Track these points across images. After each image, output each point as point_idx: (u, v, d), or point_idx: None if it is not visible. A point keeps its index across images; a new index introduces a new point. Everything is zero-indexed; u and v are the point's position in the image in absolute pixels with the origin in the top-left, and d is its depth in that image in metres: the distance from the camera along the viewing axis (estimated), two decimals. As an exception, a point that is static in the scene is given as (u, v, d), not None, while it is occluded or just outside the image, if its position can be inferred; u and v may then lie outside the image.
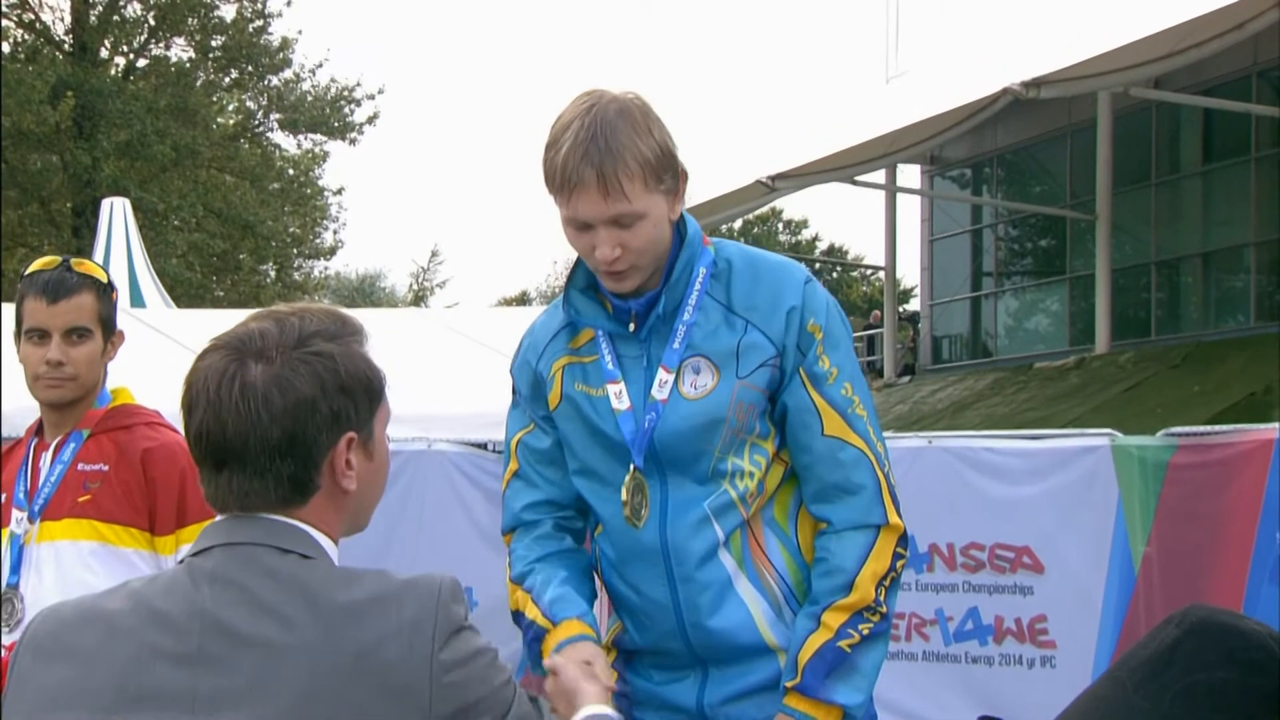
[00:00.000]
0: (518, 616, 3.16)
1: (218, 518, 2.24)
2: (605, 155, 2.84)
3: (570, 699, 2.77)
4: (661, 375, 3.02)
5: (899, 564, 3.05)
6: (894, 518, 3.04)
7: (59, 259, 3.91)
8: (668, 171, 2.94)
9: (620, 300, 3.04)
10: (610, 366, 3.08)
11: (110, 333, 3.91)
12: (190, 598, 2.14)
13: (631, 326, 3.06)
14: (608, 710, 2.71)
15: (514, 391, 3.27)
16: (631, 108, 2.92)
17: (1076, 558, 6.69)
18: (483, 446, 7.33)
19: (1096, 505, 6.63)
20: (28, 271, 3.90)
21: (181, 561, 2.21)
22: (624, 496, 3.06)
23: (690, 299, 3.04)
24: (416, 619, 2.14)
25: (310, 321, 2.25)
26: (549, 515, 3.21)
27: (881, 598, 3.00)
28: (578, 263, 3.11)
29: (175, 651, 2.11)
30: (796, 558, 3.08)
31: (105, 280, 3.92)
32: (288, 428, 2.18)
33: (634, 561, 3.09)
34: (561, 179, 2.88)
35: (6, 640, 3.72)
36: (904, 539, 3.06)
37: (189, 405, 2.22)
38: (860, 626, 2.99)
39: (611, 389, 3.07)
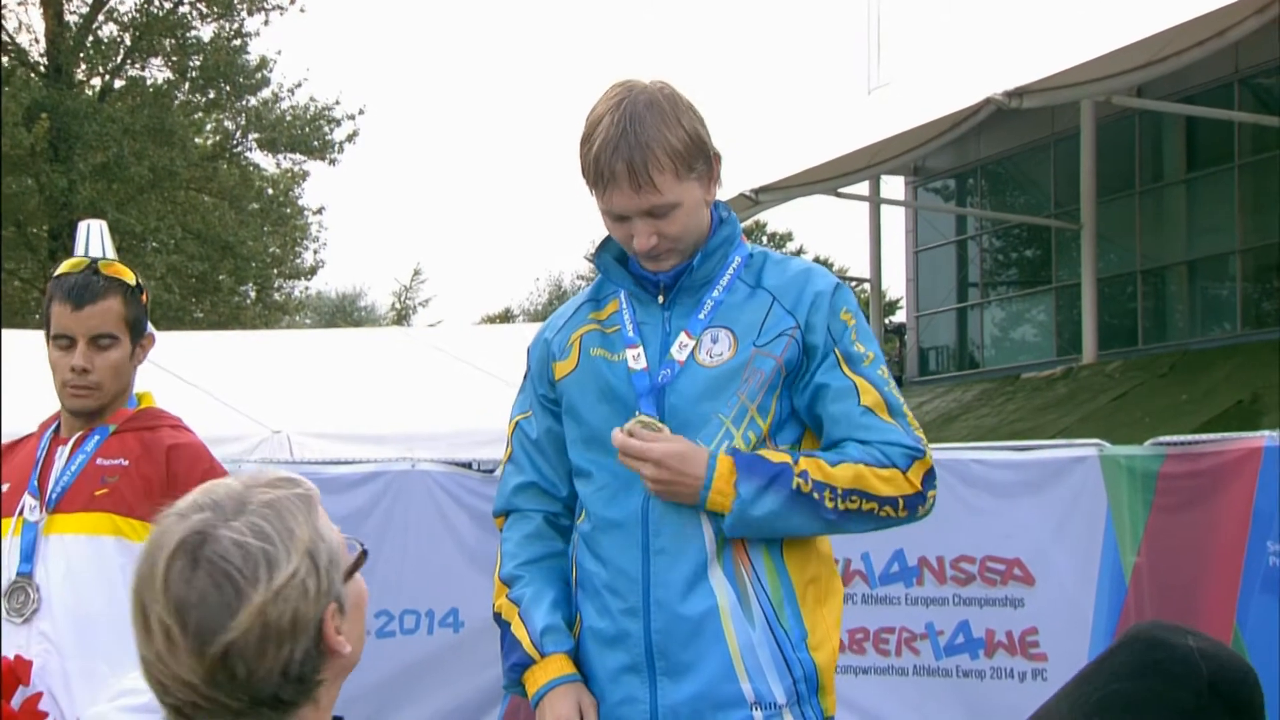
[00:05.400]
0: (500, 622, 3.19)
1: None
2: (635, 149, 2.97)
3: None
4: (683, 339, 3.11)
5: (887, 509, 3.06)
6: (917, 481, 3.07)
7: (87, 260, 3.82)
8: (698, 158, 3.06)
9: (651, 275, 3.14)
10: (631, 334, 3.16)
11: (139, 336, 3.84)
12: None
13: (660, 299, 3.15)
14: None
15: (526, 371, 3.35)
16: (660, 98, 3.04)
17: (1067, 569, 6.64)
18: (467, 466, 7.26)
19: (1086, 516, 6.59)
20: (56, 273, 3.82)
21: None
22: (627, 425, 3.05)
23: (722, 280, 3.14)
24: None
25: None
26: (539, 508, 3.27)
27: (843, 498, 3.02)
28: (609, 236, 3.21)
29: None
30: (776, 560, 3.08)
31: (133, 282, 3.84)
32: None
33: (610, 530, 3.10)
34: (595, 174, 3.02)
35: (20, 635, 3.65)
36: (914, 503, 3.08)
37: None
38: (817, 489, 3.00)
39: (630, 353, 3.14)
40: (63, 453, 3.79)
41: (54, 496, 3.73)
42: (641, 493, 3.05)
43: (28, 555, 3.69)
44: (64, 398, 3.80)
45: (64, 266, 3.83)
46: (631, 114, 2.99)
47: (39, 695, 3.59)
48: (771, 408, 3.09)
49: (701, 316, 3.11)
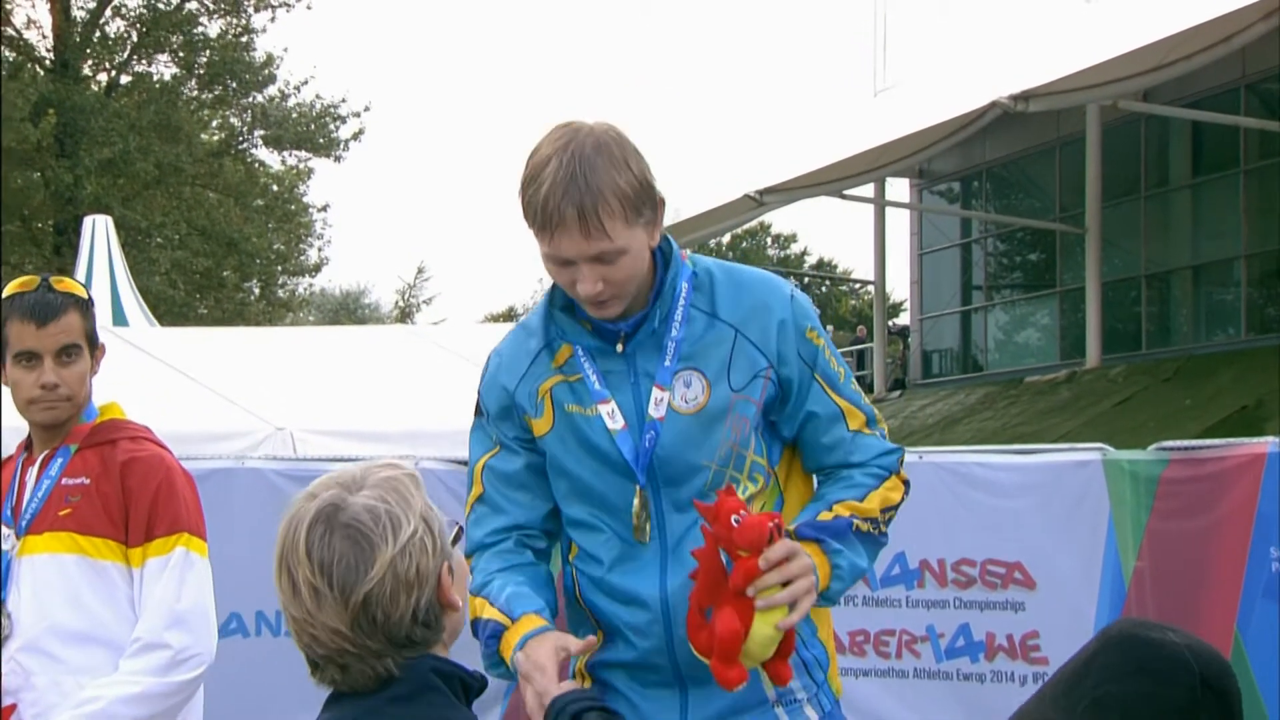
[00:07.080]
0: (475, 623, 3.10)
1: None
2: (585, 194, 2.85)
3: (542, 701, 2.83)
4: (656, 394, 3.05)
5: (900, 507, 3.20)
6: (903, 473, 3.21)
7: (37, 279, 3.87)
8: (646, 204, 2.96)
9: (610, 324, 3.05)
10: (598, 386, 3.09)
11: (94, 348, 3.89)
12: None
13: (620, 347, 3.07)
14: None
15: (479, 411, 3.26)
16: (608, 141, 2.92)
17: (1068, 573, 6.62)
18: (469, 464, 7.24)
19: (1088, 520, 6.56)
20: (6, 294, 3.84)
21: None
22: (635, 520, 3.07)
23: (676, 315, 3.07)
24: None
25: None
26: (511, 536, 3.21)
27: (883, 522, 3.14)
28: (556, 285, 3.10)
29: None
30: None
31: (86, 296, 3.91)
32: None
33: (627, 576, 3.08)
34: (543, 218, 2.89)
35: None
36: (908, 490, 3.23)
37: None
38: (870, 524, 3.11)
39: (603, 409, 3.08)
40: (32, 474, 3.86)
41: (24, 524, 3.80)
42: (652, 544, 3.08)
43: (3, 582, 3.77)
44: (32, 413, 3.84)
45: (14, 286, 3.86)
46: (580, 157, 2.88)
47: (12, 707, 3.69)
48: (764, 445, 3.11)
49: (668, 363, 3.06)
